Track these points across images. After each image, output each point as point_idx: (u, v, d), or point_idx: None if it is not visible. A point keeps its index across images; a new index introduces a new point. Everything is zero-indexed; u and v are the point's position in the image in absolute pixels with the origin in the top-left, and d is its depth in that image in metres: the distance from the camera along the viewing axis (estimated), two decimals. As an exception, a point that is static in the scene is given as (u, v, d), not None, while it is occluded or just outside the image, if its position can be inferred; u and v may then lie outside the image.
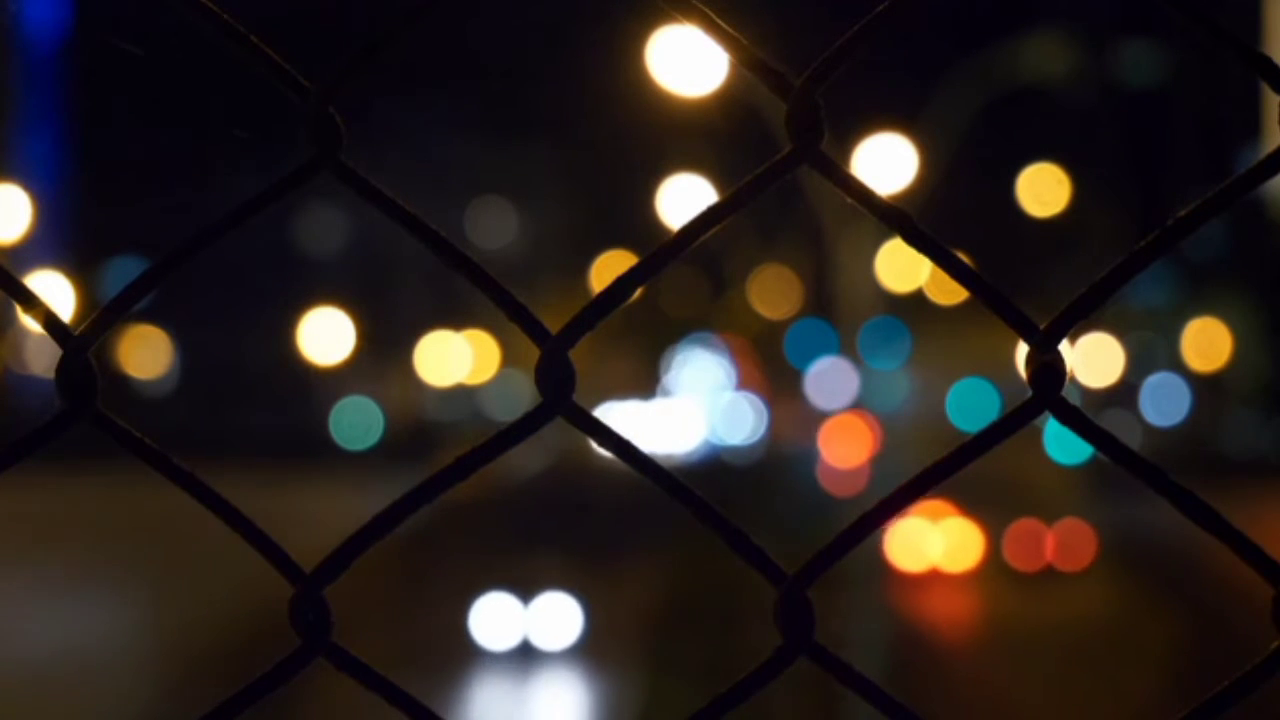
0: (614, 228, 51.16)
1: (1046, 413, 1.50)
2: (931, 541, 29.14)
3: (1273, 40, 43.66)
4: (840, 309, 21.91)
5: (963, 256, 1.56)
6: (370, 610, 21.06)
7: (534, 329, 1.50)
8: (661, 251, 1.50)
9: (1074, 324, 1.50)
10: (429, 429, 54.38)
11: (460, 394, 59.45)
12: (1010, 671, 21.19)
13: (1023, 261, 49.42)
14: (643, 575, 28.50)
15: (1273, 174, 1.48)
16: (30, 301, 1.51)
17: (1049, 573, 29.26)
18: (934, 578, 28.60)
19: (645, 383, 58.67)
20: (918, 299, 40.02)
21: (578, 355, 1.50)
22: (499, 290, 1.50)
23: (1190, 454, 47.39)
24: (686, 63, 16.98)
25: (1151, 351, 55.68)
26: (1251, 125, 42.08)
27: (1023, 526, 29.66)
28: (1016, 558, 28.63)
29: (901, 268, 28.28)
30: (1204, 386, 55.44)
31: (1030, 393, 1.50)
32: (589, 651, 21.69)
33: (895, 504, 1.51)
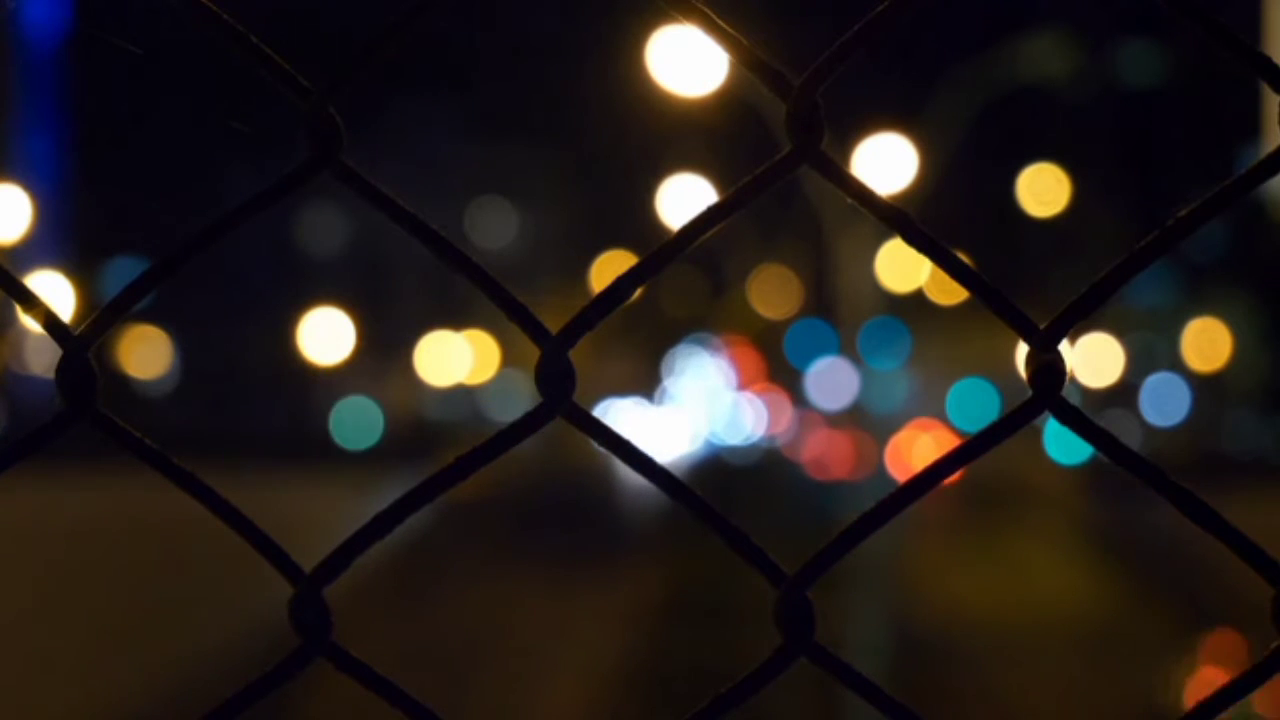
0: (614, 228, 51.17)
1: (1046, 413, 1.50)
2: (838, 453, 35.96)
3: (1273, 40, 43.67)
4: (840, 309, 21.90)
5: (963, 256, 1.55)
6: (371, 610, 21.06)
7: (534, 329, 1.50)
8: (661, 251, 1.50)
9: (1074, 324, 1.50)
10: (429, 429, 54.37)
11: (460, 394, 59.45)
12: (1010, 672, 21.19)
13: (1023, 261, 49.44)
14: (642, 575, 28.51)
15: (1273, 174, 1.48)
16: (30, 301, 1.51)
17: None
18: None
19: (645, 383, 58.68)
20: (918, 299, 40.04)
21: (578, 355, 1.50)
22: (499, 290, 1.50)
23: (1190, 454, 47.38)
24: (686, 63, 16.97)
25: (1151, 351, 55.67)
26: (1251, 125, 42.08)
27: (903, 434, 32.88)
28: (896, 468, 31.15)
29: (901, 268, 28.27)
30: (1204, 386, 55.44)
31: (1030, 393, 1.50)
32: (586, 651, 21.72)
33: (895, 504, 1.51)
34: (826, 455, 44.28)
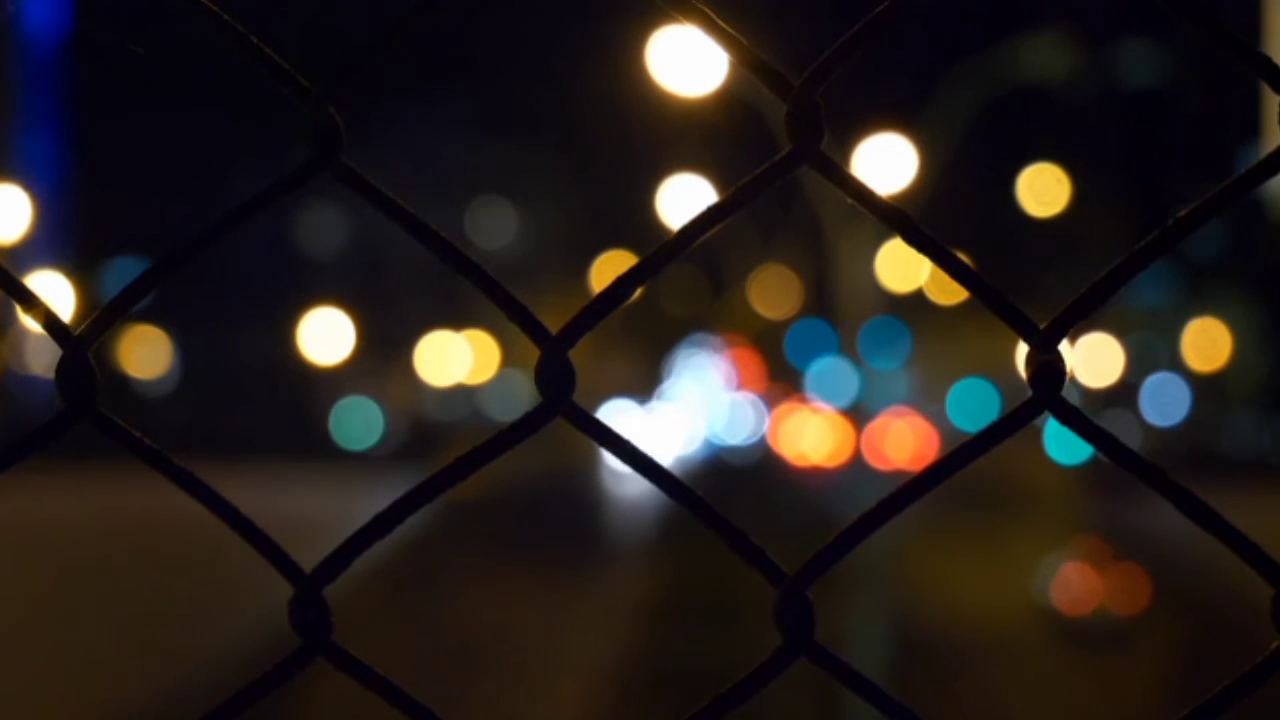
0: (614, 228, 51.17)
1: (1046, 413, 1.50)
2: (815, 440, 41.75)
3: (1273, 40, 43.67)
4: (840, 309, 21.90)
5: (963, 256, 1.55)
6: (371, 610, 21.05)
7: (534, 329, 1.50)
8: (661, 251, 1.50)
9: (1074, 324, 1.50)
10: (429, 429, 54.37)
11: (460, 394, 59.43)
12: (1009, 671, 21.20)
13: (1023, 261, 49.43)
14: (642, 575, 28.51)
15: (1273, 174, 1.48)
16: (30, 301, 1.52)
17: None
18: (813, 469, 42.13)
19: (645, 383, 58.67)
20: (918, 299, 40.06)
21: (578, 355, 1.50)
22: (499, 290, 1.50)
23: (1190, 454, 47.38)
24: (686, 63, 16.97)
25: (1151, 351, 55.66)
26: (1251, 125, 42.08)
27: (880, 422, 34.97)
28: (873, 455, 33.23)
29: (901, 268, 28.27)
30: (1204, 386, 55.44)
31: (1030, 393, 1.49)
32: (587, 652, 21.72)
33: (895, 504, 1.51)
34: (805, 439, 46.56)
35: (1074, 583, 24.55)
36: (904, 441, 40.46)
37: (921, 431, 43.63)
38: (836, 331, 24.76)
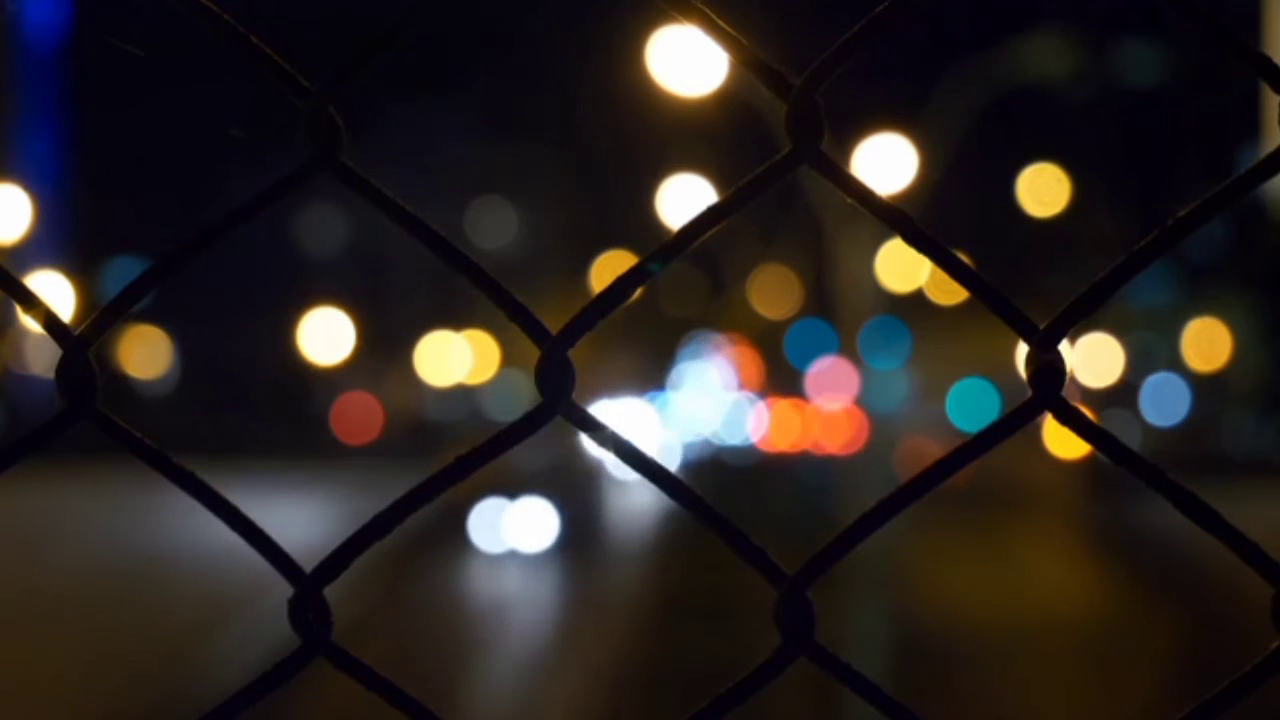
0: (614, 228, 51.16)
1: (1046, 413, 1.50)
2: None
3: (1273, 40, 43.66)
4: (840, 309, 21.90)
5: (963, 256, 1.55)
6: (371, 610, 21.07)
7: (534, 329, 1.50)
8: (661, 251, 1.50)
9: (1074, 324, 1.50)
10: (429, 429, 54.36)
11: (460, 394, 59.42)
12: (1009, 672, 21.19)
13: (1023, 261, 49.44)
14: (642, 575, 28.51)
15: (1273, 174, 1.48)
16: (30, 301, 1.52)
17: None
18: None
19: (645, 383, 58.66)
20: (918, 299, 40.04)
21: (578, 355, 1.50)
22: (499, 290, 1.50)
23: (1190, 454, 47.36)
24: (686, 63, 16.98)
25: (1151, 351, 55.65)
26: (1251, 125, 42.08)
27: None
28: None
29: (901, 268, 28.28)
30: (1204, 386, 55.42)
31: (1030, 393, 1.50)
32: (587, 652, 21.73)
33: (895, 504, 1.51)
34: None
35: (914, 456, 26.13)
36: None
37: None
38: (836, 331, 24.78)
